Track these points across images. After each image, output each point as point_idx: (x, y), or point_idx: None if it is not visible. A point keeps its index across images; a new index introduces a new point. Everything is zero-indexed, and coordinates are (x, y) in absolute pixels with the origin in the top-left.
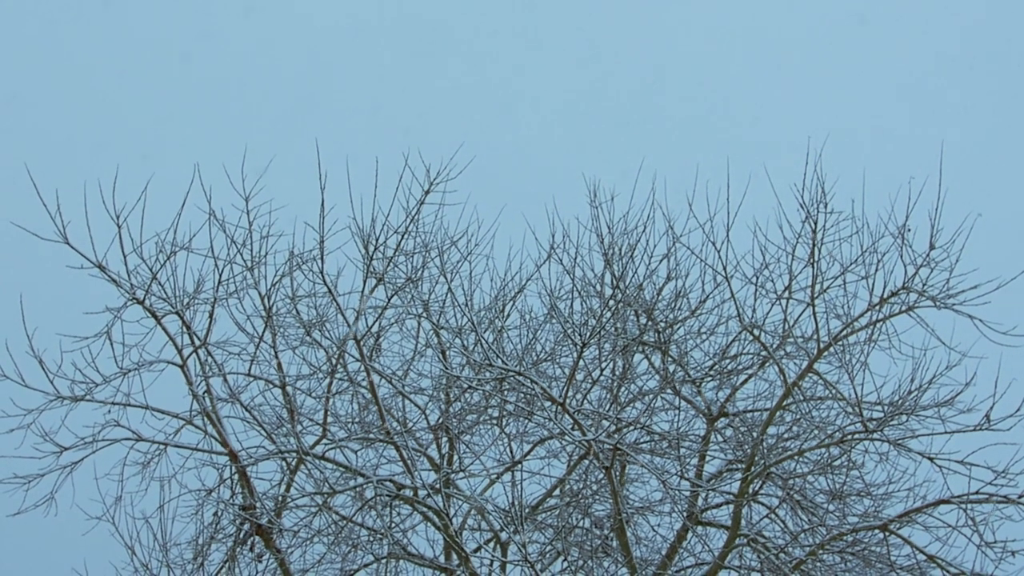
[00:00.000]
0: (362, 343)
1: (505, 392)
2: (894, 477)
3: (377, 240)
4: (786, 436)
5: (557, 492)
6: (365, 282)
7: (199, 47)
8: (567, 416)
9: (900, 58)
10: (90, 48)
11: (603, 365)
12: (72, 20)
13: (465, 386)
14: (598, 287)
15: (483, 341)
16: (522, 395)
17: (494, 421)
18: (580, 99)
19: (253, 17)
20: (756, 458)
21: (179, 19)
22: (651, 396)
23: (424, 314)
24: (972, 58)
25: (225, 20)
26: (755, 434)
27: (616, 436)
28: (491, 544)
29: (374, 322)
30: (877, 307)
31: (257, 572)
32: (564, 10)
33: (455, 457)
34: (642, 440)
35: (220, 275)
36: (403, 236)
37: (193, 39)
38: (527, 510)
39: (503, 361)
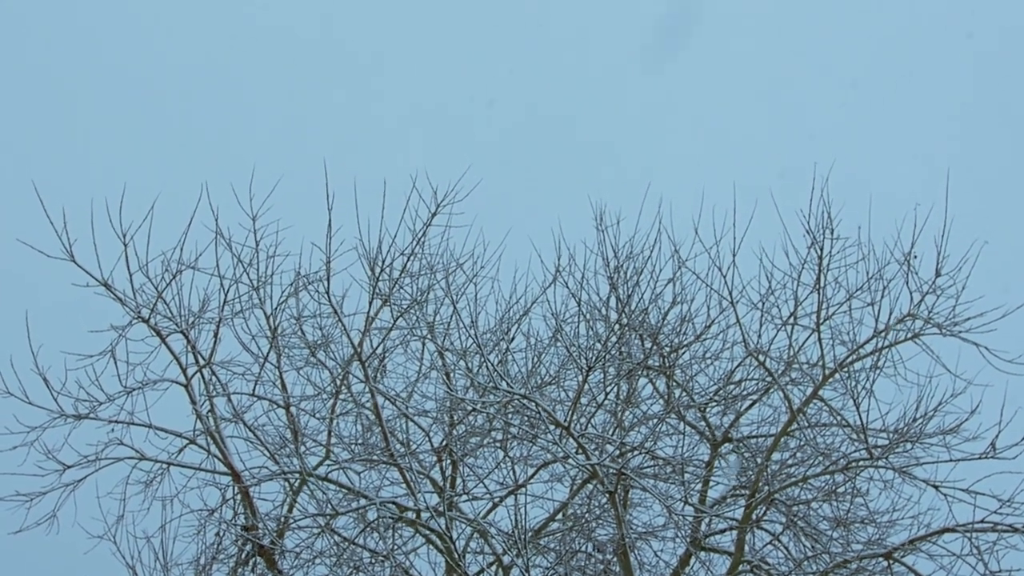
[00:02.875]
0: (367, 364)
1: (509, 415)
2: (898, 505)
3: (383, 261)
4: (790, 462)
5: (560, 516)
6: (371, 303)
7: (207, 65)
8: (571, 440)
9: (906, 84)
10: (96, 65)
11: (608, 389)
12: (77, 36)
13: (469, 408)
14: (603, 311)
15: (488, 363)
16: (526, 418)
17: (498, 444)
18: (585, 121)
19: (261, 35)
20: (760, 484)
21: (186, 36)
22: (655, 421)
23: (429, 336)
24: (980, 85)
25: (233, 38)
26: (759, 460)
27: (620, 460)
28: (493, 567)
29: (379, 343)
30: (883, 334)
31: None
32: (564, 31)
33: (458, 479)
34: (646, 465)
35: (226, 294)
36: (409, 258)
37: (201, 57)
38: (530, 534)
39: (508, 384)
